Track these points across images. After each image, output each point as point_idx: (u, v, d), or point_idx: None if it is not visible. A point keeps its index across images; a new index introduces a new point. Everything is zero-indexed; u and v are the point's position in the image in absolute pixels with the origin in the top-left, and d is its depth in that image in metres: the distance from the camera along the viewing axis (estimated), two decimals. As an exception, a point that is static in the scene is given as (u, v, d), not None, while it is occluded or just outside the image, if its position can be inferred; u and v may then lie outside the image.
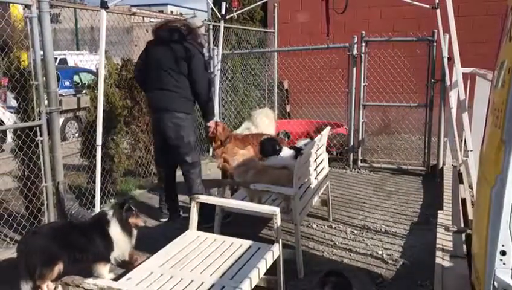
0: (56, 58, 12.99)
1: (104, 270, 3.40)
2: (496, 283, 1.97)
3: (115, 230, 3.40)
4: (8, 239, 4.17)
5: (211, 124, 4.92)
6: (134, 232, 3.52)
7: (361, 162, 7.14)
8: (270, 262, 2.99)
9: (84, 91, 10.02)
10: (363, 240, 4.44)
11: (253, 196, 4.04)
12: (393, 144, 7.28)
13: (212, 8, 7.26)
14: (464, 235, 3.90)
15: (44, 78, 4.17)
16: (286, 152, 4.55)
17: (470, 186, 5.24)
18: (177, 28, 4.60)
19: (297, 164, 3.71)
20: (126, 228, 3.46)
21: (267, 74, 9.46)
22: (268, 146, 4.62)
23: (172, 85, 4.57)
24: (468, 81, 6.22)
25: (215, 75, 7.09)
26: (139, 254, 3.71)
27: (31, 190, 4.22)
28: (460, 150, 6.10)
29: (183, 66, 4.52)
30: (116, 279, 2.96)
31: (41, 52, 4.15)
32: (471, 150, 4.63)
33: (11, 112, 7.22)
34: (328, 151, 5.16)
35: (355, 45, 6.82)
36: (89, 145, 5.18)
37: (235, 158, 4.37)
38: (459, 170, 6.06)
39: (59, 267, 3.13)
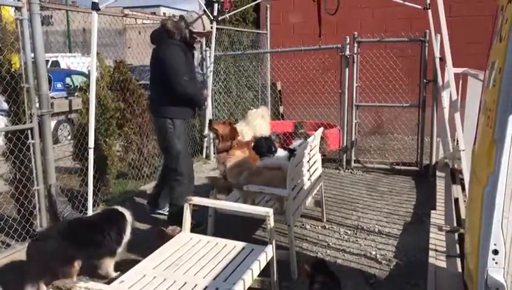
0: (48, 61, 12.93)
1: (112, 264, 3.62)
2: (488, 282, 1.98)
3: (129, 227, 3.72)
4: (-1, 243, 4.14)
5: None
6: None
7: (354, 162, 7.15)
8: (263, 263, 2.98)
9: (76, 93, 9.97)
10: (357, 240, 4.44)
11: (247, 197, 4.03)
12: (386, 144, 7.32)
13: (204, 10, 7.25)
14: (456, 234, 3.92)
15: (36, 81, 4.14)
16: (280, 153, 4.55)
17: (463, 186, 5.26)
18: (160, 29, 4.58)
19: (291, 165, 3.71)
20: None
21: (260, 75, 9.47)
22: (264, 146, 4.60)
23: (154, 89, 4.66)
24: (460, 81, 6.26)
25: (208, 76, 7.09)
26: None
27: (23, 193, 4.18)
28: (453, 150, 6.12)
29: (159, 69, 4.51)
30: (108, 282, 2.95)
31: (33, 55, 4.12)
32: (463, 150, 4.65)
33: (2, 115, 7.16)
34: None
35: (348, 46, 6.83)
36: (81, 148, 5.14)
37: (230, 159, 4.34)
38: (452, 168, 6.09)
39: (77, 265, 3.33)
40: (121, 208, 3.82)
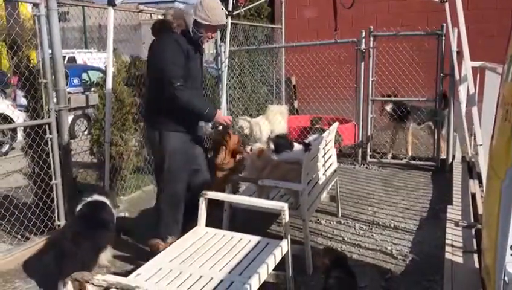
0: (65, 57, 13.05)
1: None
2: (506, 278, 1.96)
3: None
4: (19, 236, 4.21)
5: (219, 120, 3.91)
6: None
7: (369, 157, 7.11)
8: (278, 258, 2.99)
9: (92, 89, 10.07)
10: (372, 235, 4.43)
11: (262, 192, 4.04)
12: (402, 139, 7.25)
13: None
14: (473, 230, 3.88)
15: (53, 76, 4.19)
16: (296, 147, 4.55)
17: (480, 181, 5.20)
18: (161, 19, 3.99)
19: (306, 160, 3.70)
20: None
21: (275, 70, 9.44)
22: (283, 144, 4.61)
23: (147, 92, 4.06)
24: (478, 75, 6.17)
25: (223, 71, 7.10)
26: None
27: (41, 187, 4.25)
28: (470, 145, 6.05)
29: (152, 66, 3.85)
30: (125, 275, 2.98)
31: (50, 51, 4.17)
32: (480, 144, 4.60)
33: (20, 110, 7.27)
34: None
35: (363, 40, 6.79)
36: (98, 143, 5.20)
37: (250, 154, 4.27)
38: (469, 162, 6.02)
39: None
40: (98, 196, 3.90)
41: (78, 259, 3.29)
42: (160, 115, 3.72)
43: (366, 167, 6.96)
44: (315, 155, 4.07)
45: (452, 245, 3.59)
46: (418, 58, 7.58)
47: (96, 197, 3.87)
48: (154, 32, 3.85)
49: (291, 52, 9.04)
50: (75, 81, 10.84)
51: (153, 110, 3.79)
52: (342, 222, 4.77)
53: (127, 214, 5.07)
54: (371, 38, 6.82)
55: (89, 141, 5.64)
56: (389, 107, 6.97)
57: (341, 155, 7.09)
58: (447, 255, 3.42)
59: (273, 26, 10.19)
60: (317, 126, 7.56)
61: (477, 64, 5.84)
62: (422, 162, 6.85)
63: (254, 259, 2.92)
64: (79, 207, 3.80)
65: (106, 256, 3.76)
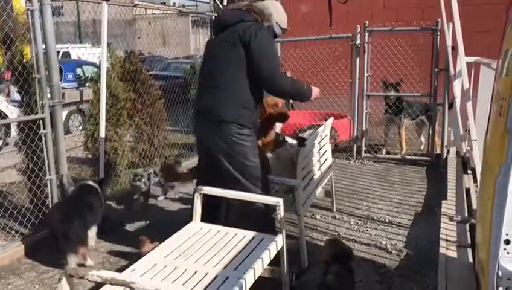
0: (59, 52, 12.97)
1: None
2: (500, 272, 1.97)
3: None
4: (13, 232, 4.19)
5: (316, 95, 3.62)
6: None
7: (364, 152, 7.12)
8: (273, 253, 2.99)
9: (87, 84, 10.02)
10: (367, 230, 4.44)
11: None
12: (397, 135, 7.27)
13: (214, -1, 7.23)
14: (468, 224, 3.90)
15: (47, 72, 4.17)
16: (290, 142, 4.56)
17: (474, 176, 5.22)
18: (239, 10, 3.49)
19: (301, 155, 3.70)
20: None
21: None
22: (281, 136, 4.64)
23: (218, 83, 3.35)
24: (473, 71, 6.18)
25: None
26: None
27: (35, 183, 4.23)
28: (465, 140, 6.07)
29: (237, 57, 3.28)
30: (120, 270, 2.98)
31: (44, 46, 4.15)
32: (475, 139, 4.61)
33: (14, 106, 7.23)
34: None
35: (358, 35, 6.79)
36: (93, 138, 5.19)
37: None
38: (464, 157, 6.04)
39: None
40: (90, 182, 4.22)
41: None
42: (248, 111, 3.32)
43: (361, 162, 6.98)
44: (310, 150, 4.06)
45: (446, 240, 3.60)
46: (413, 54, 7.59)
47: (88, 182, 4.25)
48: (230, 20, 3.42)
49: (286, 47, 9.02)
50: (69, 76, 10.78)
51: (238, 105, 3.29)
52: (337, 217, 4.78)
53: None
54: (366, 34, 6.82)
55: (83, 136, 5.62)
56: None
57: (336, 150, 7.10)
58: (441, 250, 3.43)
59: (269, 21, 10.15)
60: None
61: (472, 59, 5.85)
62: (417, 157, 6.87)
63: (249, 254, 2.91)
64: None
65: (92, 234, 3.98)
